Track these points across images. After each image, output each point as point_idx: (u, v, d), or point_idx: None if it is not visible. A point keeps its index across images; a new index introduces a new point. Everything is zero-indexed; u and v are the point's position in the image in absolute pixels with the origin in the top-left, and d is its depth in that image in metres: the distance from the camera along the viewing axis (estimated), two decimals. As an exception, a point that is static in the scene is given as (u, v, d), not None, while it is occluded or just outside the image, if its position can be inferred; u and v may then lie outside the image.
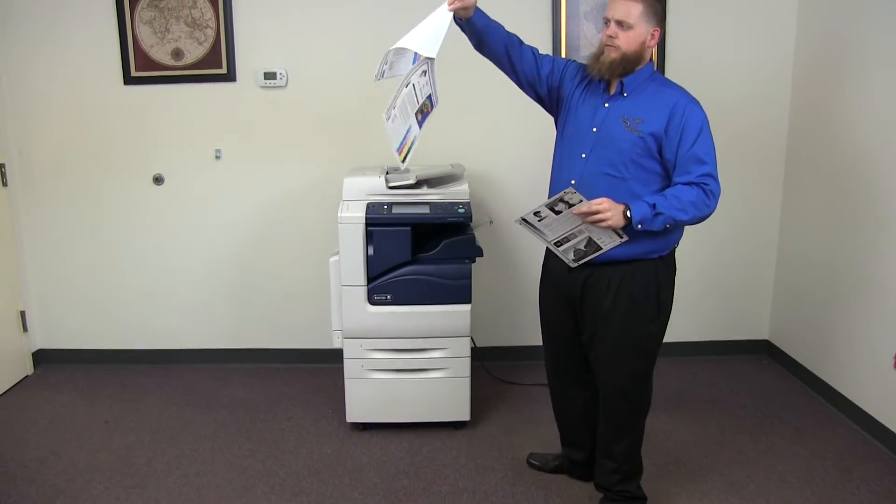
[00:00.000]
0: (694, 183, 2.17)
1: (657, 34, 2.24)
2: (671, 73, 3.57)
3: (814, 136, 3.46)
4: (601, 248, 2.24)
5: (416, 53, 2.27)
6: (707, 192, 2.17)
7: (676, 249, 2.41)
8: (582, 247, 2.25)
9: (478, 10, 2.33)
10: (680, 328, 3.82)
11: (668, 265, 2.36)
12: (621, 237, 2.20)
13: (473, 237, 3.00)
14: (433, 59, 2.27)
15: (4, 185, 3.62)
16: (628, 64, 2.24)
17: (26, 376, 3.76)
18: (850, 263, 3.18)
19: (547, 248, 2.38)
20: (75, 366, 3.85)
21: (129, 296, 3.84)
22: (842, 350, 3.24)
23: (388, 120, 2.26)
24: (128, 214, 3.75)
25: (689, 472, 2.80)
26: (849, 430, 3.09)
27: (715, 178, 2.18)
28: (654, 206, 2.15)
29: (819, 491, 2.66)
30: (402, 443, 3.03)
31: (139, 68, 3.58)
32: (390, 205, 2.93)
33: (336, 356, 3.19)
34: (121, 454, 2.98)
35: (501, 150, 3.67)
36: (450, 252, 2.96)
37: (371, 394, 3.05)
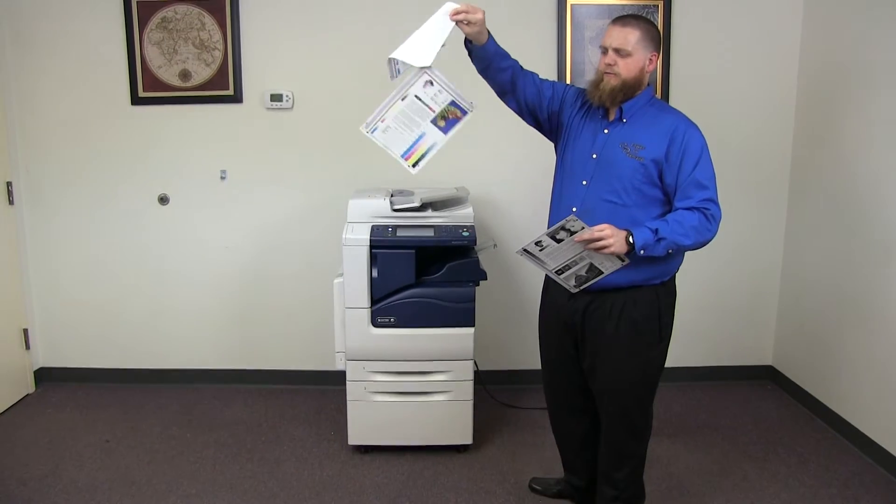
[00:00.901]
0: (695, 208, 2.18)
1: (655, 59, 2.27)
2: (675, 95, 3.60)
3: (818, 160, 3.47)
4: (602, 273, 2.23)
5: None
6: (708, 217, 2.18)
7: (678, 274, 2.41)
8: (583, 272, 2.24)
9: (491, 35, 2.32)
10: (683, 353, 3.83)
11: (669, 291, 2.35)
12: (623, 261, 2.19)
13: (477, 260, 3.00)
14: (429, 67, 2.28)
15: (11, 202, 3.63)
16: (628, 90, 2.26)
17: (28, 394, 3.75)
18: (854, 288, 3.17)
19: (546, 275, 2.37)
20: (77, 384, 3.84)
21: (132, 315, 3.84)
22: (847, 376, 3.23)
23: (371, 132, 2.31)
24: (132, 234, 3.76)
25: (692, 498, 2.78)
26: (854, 457, 3.07)
27: (716, 202, 2.19)
28: (656, 231, 2.15)
29: (824, 520, 2.64)
30: (404, 466, 3.01)
31: (147, 89, 3.62)
32: (395, 227, 2.94)
33: (339, 378, 3.18)
34: (121, 473, 2.97)
35: (506, 173, 3.68)
36: (454, 275, 2.96)
37: (373, 416, 3.04)
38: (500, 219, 3.70)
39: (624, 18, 2.28)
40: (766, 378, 3.90)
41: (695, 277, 3.74)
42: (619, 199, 2.25)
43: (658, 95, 3.57)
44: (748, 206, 3.73)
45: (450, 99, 2.35)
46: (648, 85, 2.33)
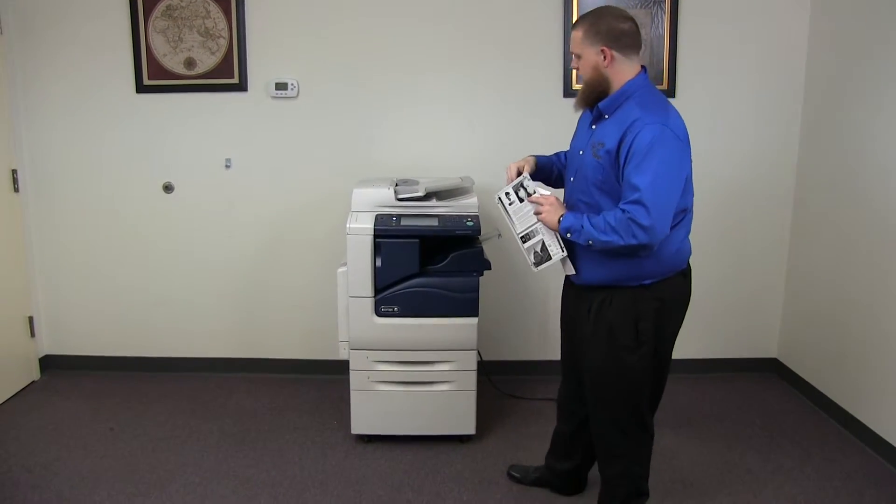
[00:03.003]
0: (622, 208, 2.07)
1: (608, 52, 2.14)
2: (681, 92, 3.58)
3: (824, 154, 3.45)
4: (551, 258, 2.28)
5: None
6: (628, 221, 2.03)
7: (682, 281, 2.36)
8: (538, 250, 2.31)
9: (538, 165, 2.47)
10: (688, 346, 3.80)
11: (651, 298, 2.22)
12: (562, 251, 2.25)
13: (482, 250, 2.99)
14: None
15: (16, 190, 3.64)
16: (594, 91, 2.20)
17: (33, 381, 3.77)
18: (859, 282, 3.15)
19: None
20: (82, 372, 3.86)
21: (136, 303, 3.85)
22: (851, 369, 3.21)
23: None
24: (137, 222, 3.76)
25: (696, 490, 2.77)
26: (859, 450, 3.06)
27: (645, 206, 2.02)
28: (582, 218, 2.14)
29: (828, 512, 2.63)
30: (407, 455, 3.01)
31: (152, 77, 3.61)
32: (399, 217, 2.93)
33: (342, 367, 3.18)
34: (125, 461, 2.98)
35: (511, 162, 3.66)
36: (458, 265, 2.95)
37: (376, 405, 3.04)
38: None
39: (578, 19, 2.25)
40: (771, 371, 3.89)
41: (701, 271, 3.72)
42: (588, 198, 2.23)
43: (664, 86, 3.57)
44: (755, 199, 3.72)
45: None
46: (642, 71, 2.20)
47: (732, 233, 3.75)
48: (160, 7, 3.55)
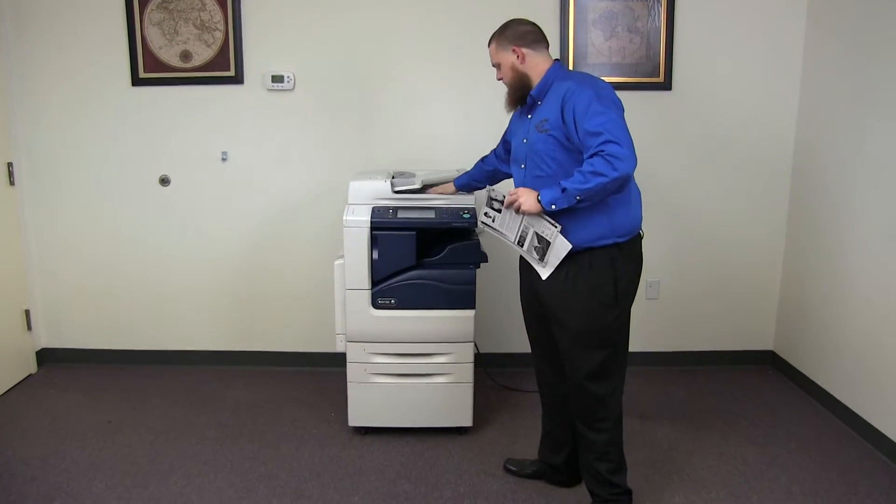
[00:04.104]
0: (593, 154, 2.19)
1: (520, 51, 2.41)
2: (678, 89, 3.57)
3: (820, 148, 3.45)
4: (549, 242, 2.33)
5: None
6: (606, 157, 2.15)
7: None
8: (536, 244, 2.37)
9: (460, 179, 2.94)
10: (685, 338, 3.83)
11: (628, 256, 2.38)
12: (555, 226, 2.31)
13: (478, 243, 2.99)
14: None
15: (11, 183, 3.63)
16: (518, 90, 2.44)
17: (30, 375, 3.77)
18: (855, 274, 3.16)
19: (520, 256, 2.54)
20: (79, 365, 3.86)
21: (133, 296, 3.85)
22: (847, 361, 3.22)
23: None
24: (134, 215, 3.76)
25: (692, 482, 2.78)
26: (854, 442, 3.07)
27: (615, 142, 2.16)
28: (559, 184, 2.23)
29: None
30: (404, 447, 3.02)
31: (147, 70, 3.60)
32: (396, 209, 2.93)
33: (339, 360, 3.18)
34: (123, 454, 2.98)
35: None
36: (455, 257, 2.95)
37: (374, 398, 3.05)
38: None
39: (489, 40, 2.50)
40: (767, 363, 3.90)
41: (697, 263, 3.74)
42: (543, 171, 2.38)
43: (661, 79, 3.57)
44: (751, 191, 3.72)
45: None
46: (555, 62, 2.43)
47: (729, 225, 3.75)
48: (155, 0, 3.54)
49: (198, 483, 2.77)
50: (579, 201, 2.21)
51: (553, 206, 2.24)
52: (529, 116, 2.44)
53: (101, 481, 2.77)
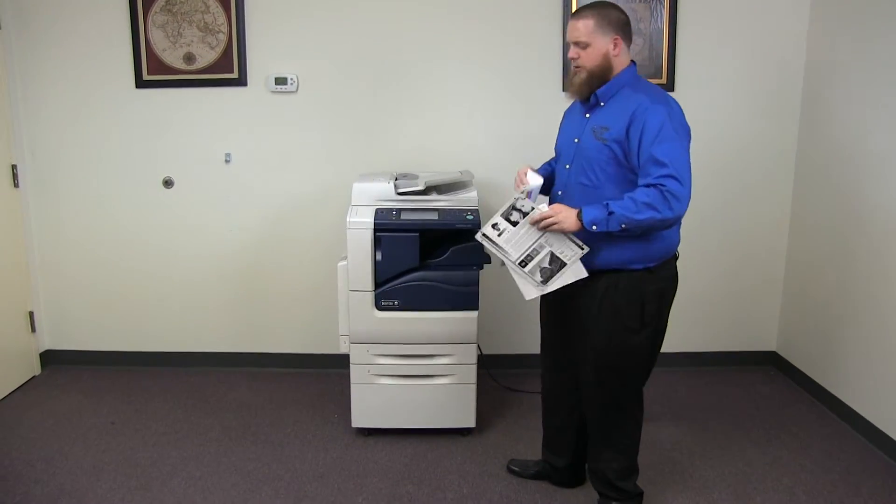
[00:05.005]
0: (652, 185, 2.12)
1: (619, 42, 2.25)
2: (681, 90, 3.57)
3: (823, 149, 3.45)
4: (565, 264, 2.24)
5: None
6: (665, 194, 2.09)
7: (675, 265, 2.37)
8: (546, 264, 2.26)
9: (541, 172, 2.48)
10: (687, 338, 3.83)
11: (656, 279, 2.29)
12: (581, 248, 2.21)
13: (482, 244, 2.99)
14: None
15: (16, 186, 3.64)
16: (597, 79, 2.26)
17: (34, 376, 3.78)
18: (859, 274, 3.16)
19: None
20: (83, 367, 3.87)
21: (137, 298, 3.85)
22: (850, 362, 3.22)
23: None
24: (137, 217, 3.77)
25: (695, 483, 2.78)
26: (857, 443, 3.07)
27: (677, 179, 2.09)
28: (607, 206, 2.15)
29: (826, 504, 2.64)
30: (408, 449, 3.02)
31: (151, 72, 3.61)
32: (399, 210, 2.93)
33: (342, 361, 3.19)
34: (126, 455, 2.99)
35: (510, 157, 3.66)
36: (458, 259, 2.96)
37: (377, 399, 3.05)
38: (504, 202, 3.68)
39: (579, 10, 2.30)
40: (770, 364, 3.90)
41: (700, 264, 3.74)
42: (590, 180, 2.27)
43: (663, 81, 3.57)
44: (754, 191, 3.72)
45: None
46: (632, 63, 2.30)
47: (731, 226, 3.76)
48: (159, 2, 3.54)
49: (201, 485, 2.77)
50: (622, 230, 2.13)
51: (594, 228, 2.15)
52: (588, 116, 2.31)
53: (105, 483, 2.78)
